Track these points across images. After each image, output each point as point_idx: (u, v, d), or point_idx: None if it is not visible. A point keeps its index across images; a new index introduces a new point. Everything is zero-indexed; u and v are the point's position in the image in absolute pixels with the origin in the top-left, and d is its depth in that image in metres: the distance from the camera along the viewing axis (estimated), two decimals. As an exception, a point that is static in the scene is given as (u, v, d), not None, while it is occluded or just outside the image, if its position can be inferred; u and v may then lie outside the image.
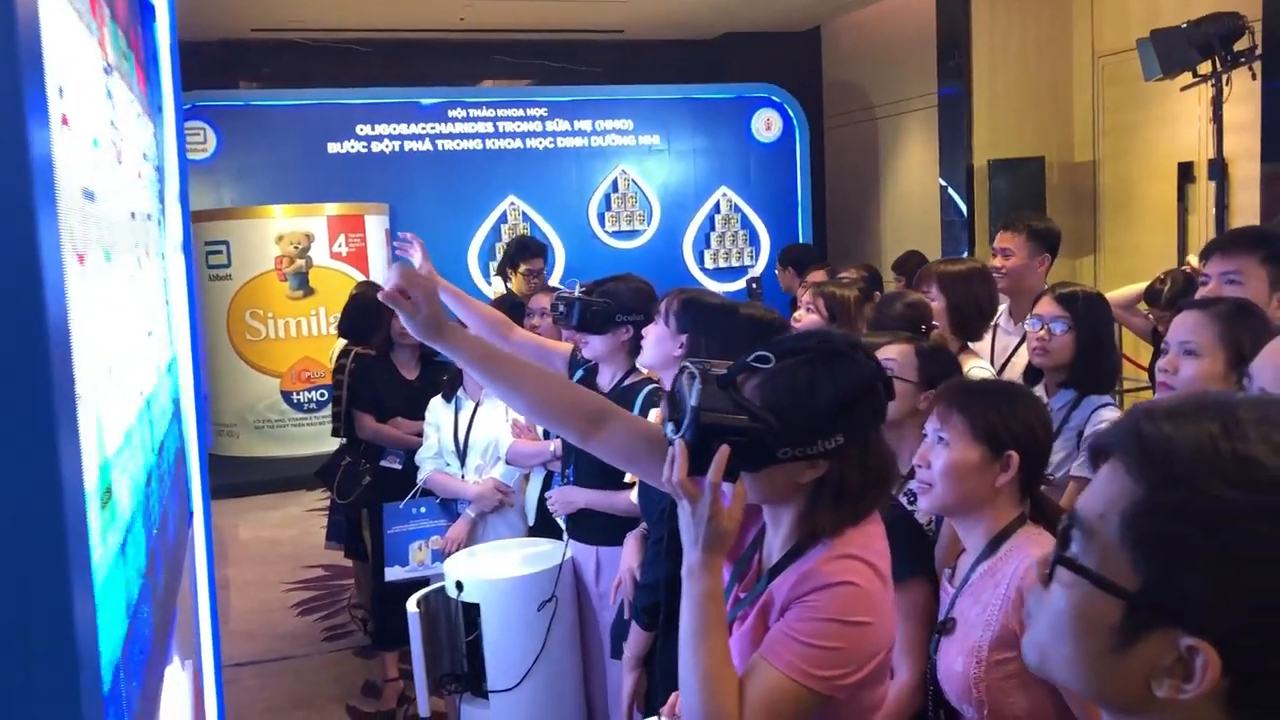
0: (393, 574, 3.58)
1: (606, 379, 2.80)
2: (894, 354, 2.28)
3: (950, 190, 8.22)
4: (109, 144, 1.79)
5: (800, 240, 9.78)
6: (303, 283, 8.27)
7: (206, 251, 8.27)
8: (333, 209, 8.42)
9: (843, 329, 2.97)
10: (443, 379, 3.72)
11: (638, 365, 2.72)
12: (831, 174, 10.72)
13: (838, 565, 1.38)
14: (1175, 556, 0.71)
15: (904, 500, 2.12)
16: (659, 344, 2.39)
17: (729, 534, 1.36)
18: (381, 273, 8.50)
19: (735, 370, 1.40)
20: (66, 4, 1.41)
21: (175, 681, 1.93)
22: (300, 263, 8.26)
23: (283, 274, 8.25)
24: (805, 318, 3.13)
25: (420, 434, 3.79)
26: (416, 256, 2.83)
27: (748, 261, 9.95)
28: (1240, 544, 0.69)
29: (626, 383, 2.75)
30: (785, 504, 1.45)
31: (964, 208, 8.09)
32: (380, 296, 1.63)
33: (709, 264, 9.90)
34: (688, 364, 1.39)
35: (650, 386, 2.67)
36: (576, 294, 2.68)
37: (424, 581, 3.34)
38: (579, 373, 2.86)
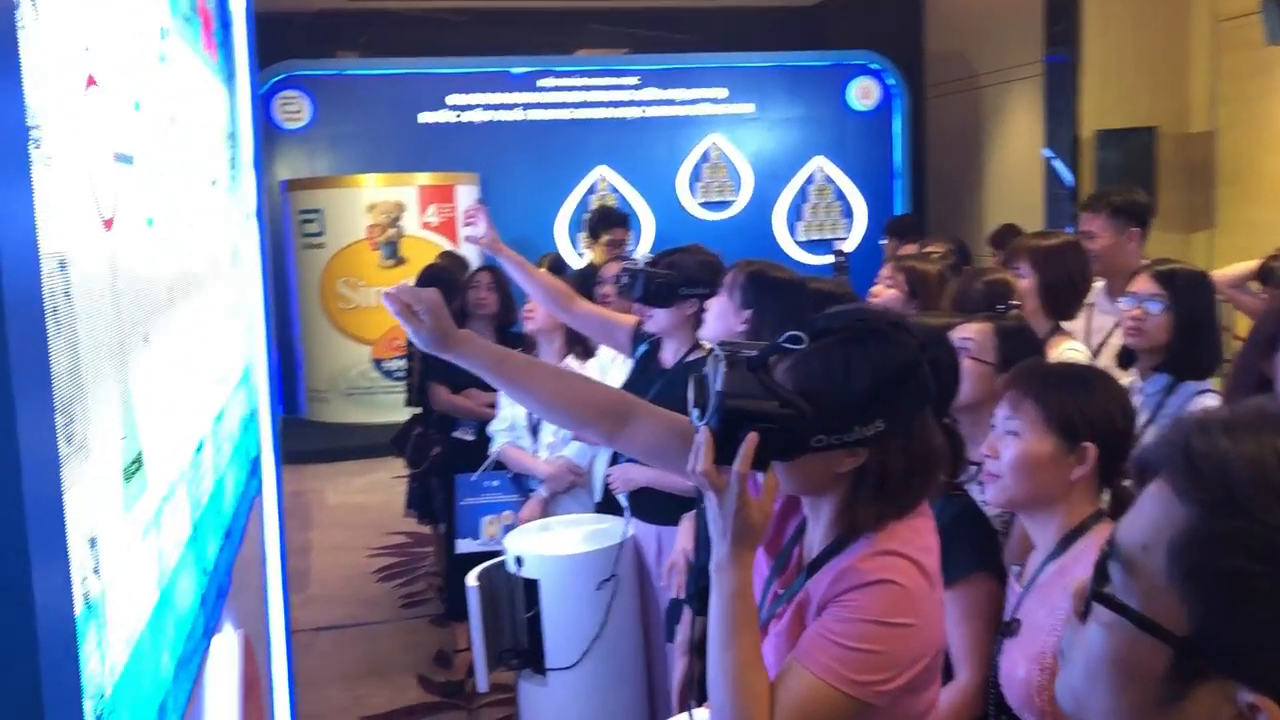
0: (464, 546, 3.58)
1: (670, 354, 2.72)
2: (971, 333, 2.16)
3: (1055, 162, 7.90)
4: (159, 108, 1.76)
5: (898, 213, 9.53)
6: (394, 252, 8.35)
7: (301, 219, 8.40)
8: (424, 179, 8.47)
9: (924, 306, 2.83)
10: (517, 351, 3.69)
11: (699, 340, 2.64)
12: (932, 145, 10.41)
13: (878, 562, 1.28)
14: (1232, 596, 0.61)
15: (976, 489, 2.00)
16: (721, 318, 2.30)
17: (759, 527, 1.27)
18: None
19: (767, 352, 1.30)
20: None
21: (222, 647, 1.93)
22: (391, 232, 8.34)
23: (374, 243, 8.35)
24: (884, 293, 3.00)
25: (493, 405, 3.76)
26: (481, 226, 2.78)
27: (841, 233, 9.74)
28: None
29: (690, 358, 2.67)
30: (824, 495, 1.36)
31: (1070, 180, 7.77)
32: (387, 304, 1.62)
33: (801, 236, 9.72)
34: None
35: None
36: (641, 265, 2.60)
37: (495, 554, 3.33)
38: (643, 346, 2.79)
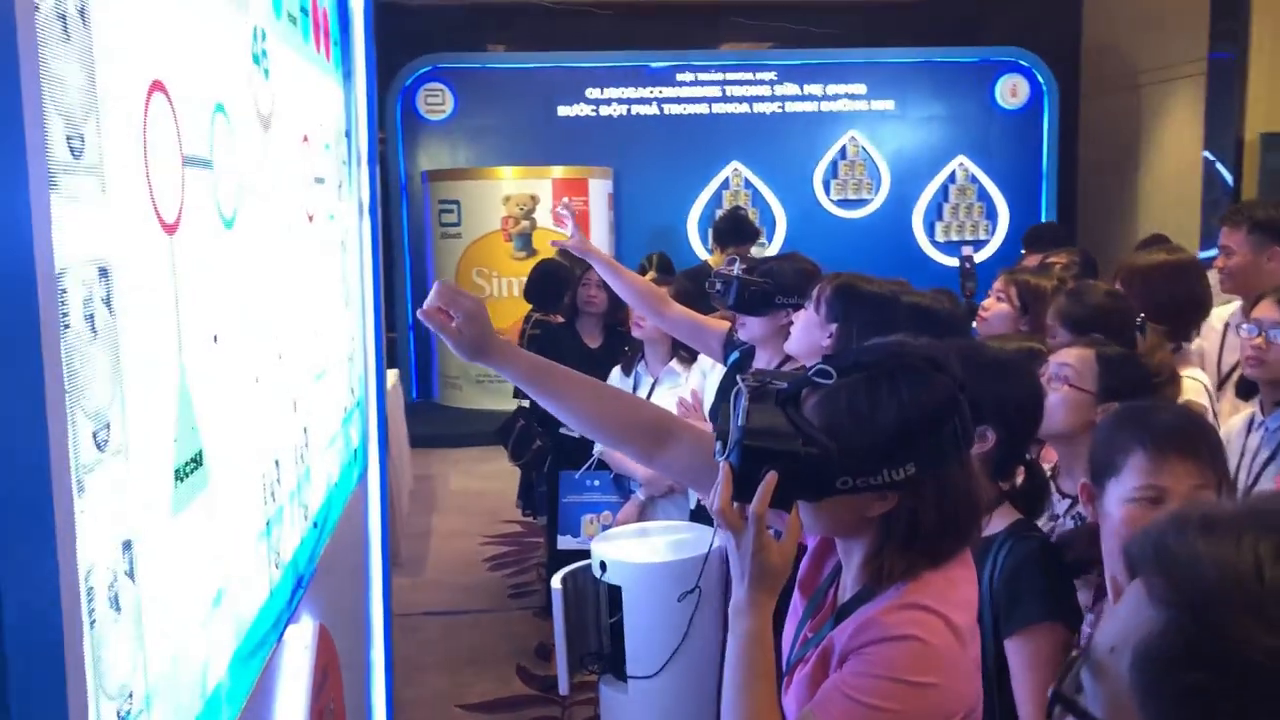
0: (564, 543, 3.59)
1: (763, 362, 2.66)
2: (1070, 359, 2.03)
3: (1216, 165, 7.44)
4: (248, 109, 1.80)
5: (1044, 217, 9.16)
6: (526, 243, 8.46)
7: (440, 210, 8.59)
8: (558, 171, 8.56)
9: (1036, 324, 2.69)
10: (624, 350, 3.68)
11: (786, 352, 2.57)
12: (1084, 146, 9.94)
13: (904, 616, 1.20)
14: (1190, 713, 0.53)
15: (1070, 524, 1.88)
16: (806, 332, 2.23)
17: (778, 571, 1.20)
18: (602, 236, 8.60)
19: (796, 385, 1.23)
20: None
21: (296, 637, 1.96)
22: (525, 224, 8.45)
23: (508, 234, 8.48)
24: (994, 307, 2.85)
25: (601, 404, 3.76)
26: (569, 227, 2.77)
27: (983, 235, 9.42)
28: (1272, 710, 0.51)
29: (784, 368, 2.60)
30: (853, 539, 1.28)
31: (1230, 185, 7.30)
32: (419, 315, 1.59)
33: (940, 236, 9.43)
34: (740, 377, 1.23)
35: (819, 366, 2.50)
36: (736, 272, 2.55)
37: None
38: (735, 354, 2.73)
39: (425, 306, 1.57)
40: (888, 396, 1.20)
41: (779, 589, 1.23)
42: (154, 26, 1.29)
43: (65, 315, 0.98)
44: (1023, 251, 5.82)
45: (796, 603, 1.39)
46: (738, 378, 1.24)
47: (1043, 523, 2.00)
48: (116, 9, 1.15)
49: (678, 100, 9.20)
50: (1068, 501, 2.03)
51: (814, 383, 1.23)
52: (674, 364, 3.45)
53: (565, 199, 2.87)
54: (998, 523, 1.76)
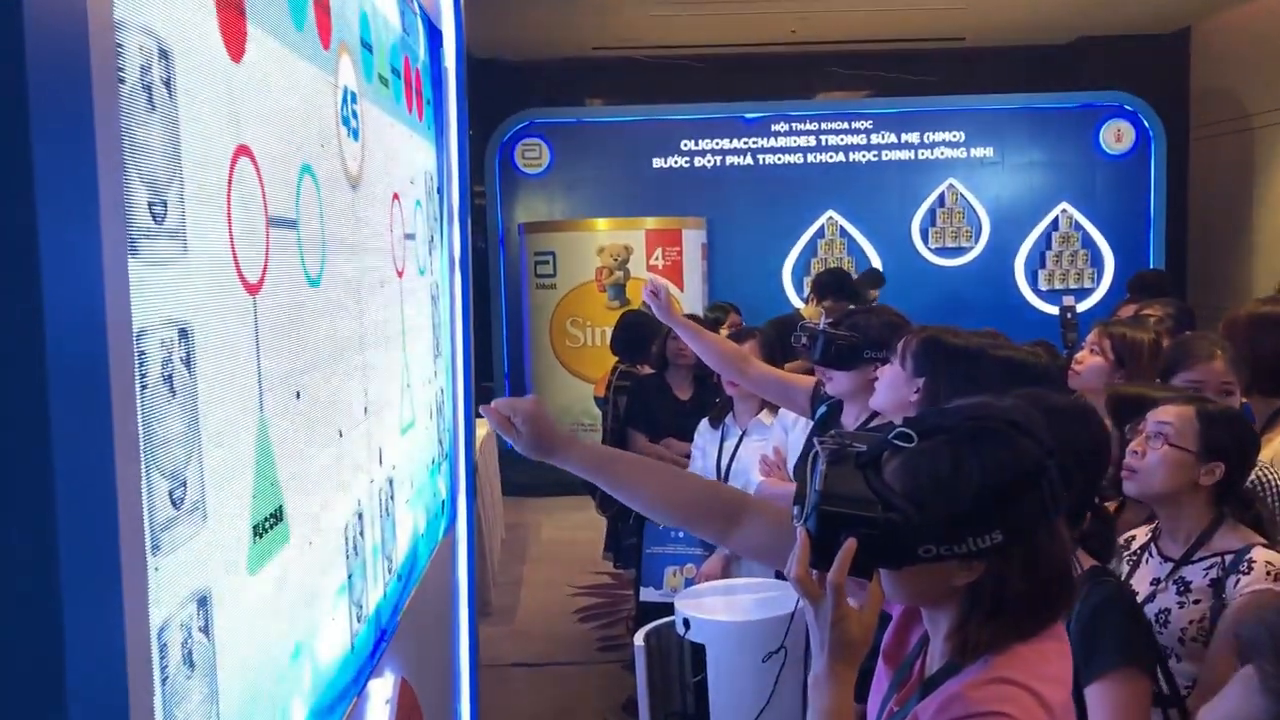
0: (647, 595, 3.56)
1: (851, 417, 2.60)
2: (1170, 417, 1.94)
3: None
4: (335, 170, 1.84)
5: (1151, 264, 8.87)
6: (620, 294, 8.52)
7: (535, 261, 8.72)
8: (651, 223, 8.62)
9: (1131, 378, 2.58)
10: (714, 401, 3.66)
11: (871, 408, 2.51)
12: (1194, 191, 9.63)
13: (991, 691, 1.13)
14: None
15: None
16: (893, 388, 2.17)
17: (859, 642, 1.16)
18: (695, 286, 8.61)
19: (876, 448, 1.19)
20: (268, 34, 1.45)
21: (377, 691, 1.97)
22: (619, 274, 8.52)
23: (602, 285, 8.55)
24: (1088, 360, 2.74)
25: (688, 456, 3.74)
26: (662, 297, 2.78)
27: (1088, 284, 9.17)
28: None
29: (871, 425, 2.54)
30: (939, 609, 1.22)
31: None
32: (487, 416, 1.64)
33: (1043, 285, 9.20)
34: (818, 439, 1.20)
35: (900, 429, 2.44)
36: (822, 326, 2.51)
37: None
38: (822, 408, 2.68)
39: (493, 424, 1.66)
40: (970, 461, 1.15)
41: (860, 661, 1.19)
42: (241, 94, 1.33)
43: (143, 375, 1.00)
44: (1126, 297, 5.64)
45: (881, 673, 1.33)
46: (815, 440, 1.21)
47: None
48: (203, 80, 1.19)
49: (772, 150, 9.21)
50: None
51: (894, 445, 1.18)
52: (762, 416, 3.42)
53: (650, 285, 2.85)
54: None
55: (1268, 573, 1.84)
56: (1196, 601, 1.91)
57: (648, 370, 4.13)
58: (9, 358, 0.77)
